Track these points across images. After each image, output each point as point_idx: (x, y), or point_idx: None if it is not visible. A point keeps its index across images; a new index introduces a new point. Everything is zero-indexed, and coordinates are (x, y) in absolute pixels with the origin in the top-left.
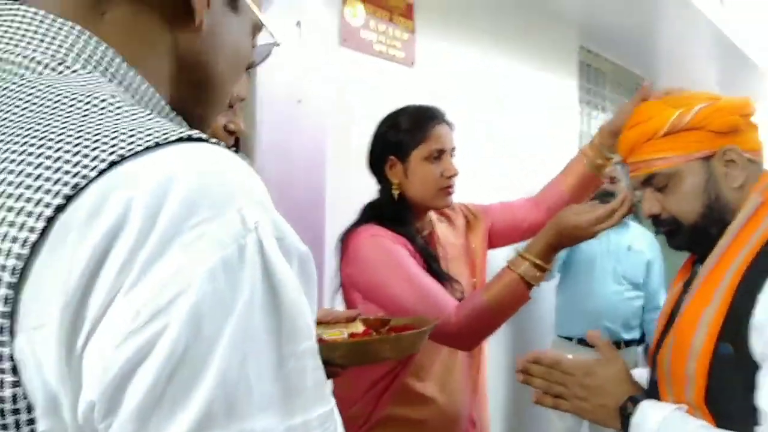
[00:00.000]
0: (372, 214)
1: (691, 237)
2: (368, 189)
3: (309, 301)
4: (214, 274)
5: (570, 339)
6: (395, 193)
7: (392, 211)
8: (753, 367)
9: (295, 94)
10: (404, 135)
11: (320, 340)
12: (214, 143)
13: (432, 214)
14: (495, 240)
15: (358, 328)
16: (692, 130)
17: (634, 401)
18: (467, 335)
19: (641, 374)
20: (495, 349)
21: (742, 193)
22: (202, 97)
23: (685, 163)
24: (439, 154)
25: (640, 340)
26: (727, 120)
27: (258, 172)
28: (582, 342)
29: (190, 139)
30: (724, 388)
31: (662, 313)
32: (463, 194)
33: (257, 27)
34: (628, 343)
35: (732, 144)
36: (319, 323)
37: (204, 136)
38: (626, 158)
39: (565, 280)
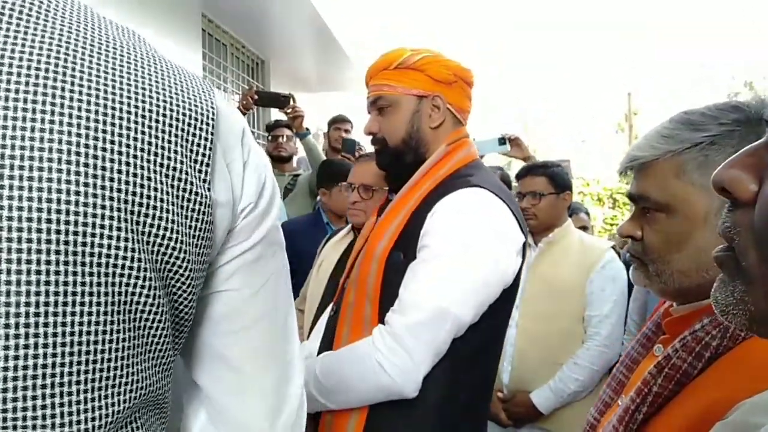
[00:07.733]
0: None
1: (393, 158)
2: None
3: None
4: None
5: None
6: None
7: None
8: None
9: None
10: None
11: None
12: None
13: None
14: None
15: None
16: (416, 70)
17: None
18: None
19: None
20: None
21: (437, 134)
22: None
23: (404, 95)
24: None
25: None
26: (443, 72)
27: None
28: None
29: None
30: (392, 286)
31: (362, 234)
32: None
33: None
34: None
35: (441, 93)
36: None
37: None
38: (368, 83)
39: None
